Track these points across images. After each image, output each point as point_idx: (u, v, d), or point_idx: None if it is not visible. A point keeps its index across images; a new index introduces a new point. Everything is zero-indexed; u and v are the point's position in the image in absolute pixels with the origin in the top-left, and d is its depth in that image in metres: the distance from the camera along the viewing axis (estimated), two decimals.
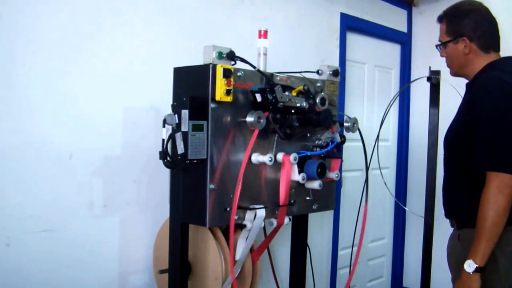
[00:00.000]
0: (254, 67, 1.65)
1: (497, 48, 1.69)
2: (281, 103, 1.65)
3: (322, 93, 1.80)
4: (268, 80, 1.68)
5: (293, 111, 1.72)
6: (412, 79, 3.38)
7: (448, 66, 1.77)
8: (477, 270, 1.49)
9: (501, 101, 1.54)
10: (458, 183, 1.69)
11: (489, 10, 1.70)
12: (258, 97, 1.63)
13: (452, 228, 1.77)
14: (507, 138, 1.51)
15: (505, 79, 1.56)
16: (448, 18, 1.71)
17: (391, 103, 2.32)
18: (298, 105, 1.71)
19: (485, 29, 1.66)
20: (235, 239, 1.79)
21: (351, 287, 3.05)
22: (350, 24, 2.98)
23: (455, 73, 1.76)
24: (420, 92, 3.32)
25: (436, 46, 1.78)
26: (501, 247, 1.53)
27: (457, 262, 1.63)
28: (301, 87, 1.74)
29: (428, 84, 2.21)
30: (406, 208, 3.33)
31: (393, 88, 3.42)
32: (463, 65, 1.70)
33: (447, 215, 1.76)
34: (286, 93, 1.69)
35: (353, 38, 3.06)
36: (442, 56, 1.77)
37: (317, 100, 1.77)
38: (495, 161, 1.50)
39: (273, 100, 1.62)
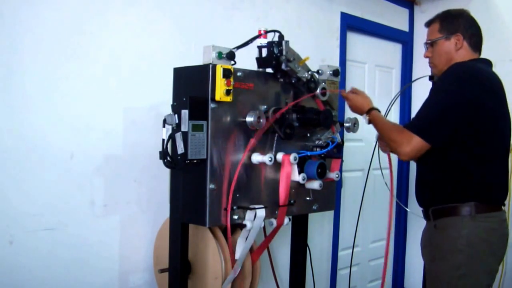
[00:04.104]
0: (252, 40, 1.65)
1: (480, 51, 1.81)
2: (286, 62, 1.63)
3: (324, 84, 1.79)
4: (279, 36, 1.67)
5: (293, 81, 1.71)
6: (413, 78, 3.37)
7: (434, 64, 1.84)
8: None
9: (462, 84, 1.61)
10: (431, 173, 1.75)
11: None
12: (264, 52, 1.64)
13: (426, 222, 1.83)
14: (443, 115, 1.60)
15: (472, 64, 1.68)
16: (442, 18, 1.82)
17: (392, 102, 2.31)
18: (299, 75, 1.70)
19: (475, 31, 1.78)
20: (234, 239, 1.79)
21: None
22: (351, 24, 2.97)
23: (440, 70, 1.81)
24: (421, 92, 3.30)
25: (425, 43, 1.87)
26: (478, 234, 1.62)
27: (435, 249, 1.71)
28: (307, 58, 1.73)
29: (429, 84, 2.21)
30: (407, 209, 3.33)
31: (394, 88, 3.42)
32: (450, 61, 1.76)
33: (421, 204, 1.82)
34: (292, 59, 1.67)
35: (353, 38, 3.05)
36: (426, 56, 1.87)
37: (318, 91, 1.76)
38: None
39: (278, 54, 1.62)
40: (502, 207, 1.73)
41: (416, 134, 1.60)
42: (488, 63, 1.79)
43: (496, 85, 1.72)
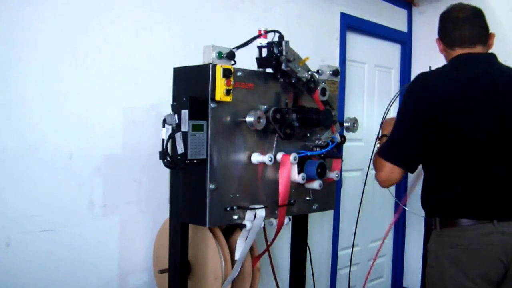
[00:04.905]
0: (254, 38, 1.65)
1: (462, 44, 1.64)
2: (286, 62, 1.62)
3: (324, 84, 1.79)
4: (280, 36, 1.67)
5: (293, 81, 1.71)
6: (412, 78, 3.37)
7: None
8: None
9: (411, 100, 1.60)
10: (424, 184, 1.71)
11: (463, 10, 1.66)
12: (264, 52, 1.64)
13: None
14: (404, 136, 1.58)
15: (431, 77, 1.61)
16: None
17: (391, 102, 2.31)
18: (299, 75, 1.70)
19: (448, 28, 1.67)
20: (234, 239, 1.79)
21: (351, 287, 3.05)
22: (350, 24, 2.98)
23: None
24: None
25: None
26: (444, 249, 1.58)
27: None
28: (307, 58, 1.72)
29: None
30: (406, 208, 3.32)
31: (393, 88, 3.42)
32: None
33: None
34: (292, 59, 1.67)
35: (353, 38, 3.06)
36: None
37: (319, 89, 1.76)
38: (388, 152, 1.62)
39: (278, 54, 1.62)
40: (494, 221, 1.51)
41: (385, 159, 1.58)
42: (471, 58, 1.62)
43: (470, 86, 1.55)
